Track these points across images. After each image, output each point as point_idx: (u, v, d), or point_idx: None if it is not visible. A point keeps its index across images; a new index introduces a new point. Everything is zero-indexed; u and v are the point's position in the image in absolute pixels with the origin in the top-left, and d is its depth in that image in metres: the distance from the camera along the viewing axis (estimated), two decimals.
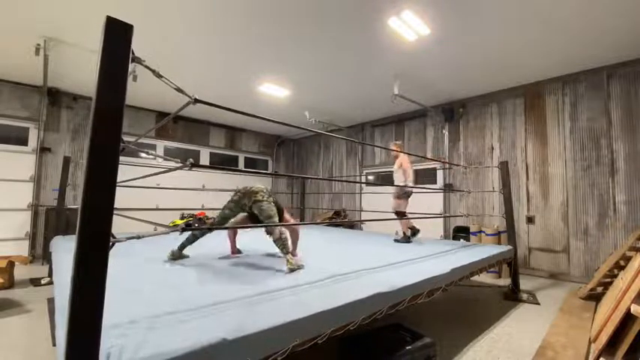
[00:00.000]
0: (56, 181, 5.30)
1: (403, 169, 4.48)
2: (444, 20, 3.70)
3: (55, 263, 3.07)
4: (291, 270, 2.52)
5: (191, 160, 1.49)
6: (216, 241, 4.14)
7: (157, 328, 1.38)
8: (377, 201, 7.72)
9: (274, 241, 2.72)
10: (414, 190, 4.65)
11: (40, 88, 5.70)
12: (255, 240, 4.51)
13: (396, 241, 4.54)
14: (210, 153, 8.62)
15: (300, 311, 1.60)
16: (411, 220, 4.52)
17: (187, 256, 3.05)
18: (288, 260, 2.59)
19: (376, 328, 2.27)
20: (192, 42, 4.31)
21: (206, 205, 7.83)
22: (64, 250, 3.09)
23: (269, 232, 2.77)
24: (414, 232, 4.51)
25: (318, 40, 4.21)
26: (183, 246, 3.01)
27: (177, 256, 2.98)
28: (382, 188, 7.72)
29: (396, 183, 4.58)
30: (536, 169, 5.35)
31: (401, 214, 4.49)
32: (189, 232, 3.00)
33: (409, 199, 4.62)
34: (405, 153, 4.12)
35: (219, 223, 3.05)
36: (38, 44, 4.24)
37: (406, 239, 4.47)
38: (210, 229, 2.91)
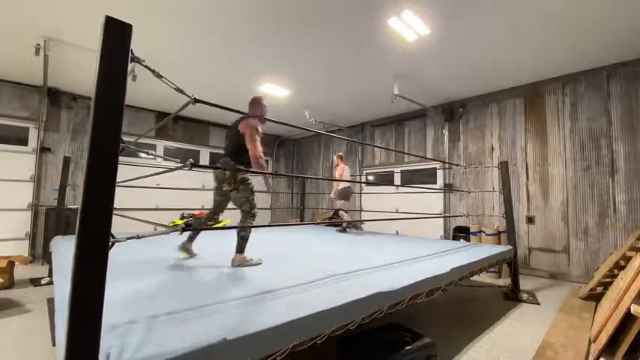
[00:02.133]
0: (56, 181, 5.30)
1: (339, 175, 5.65)
2: (444, 20, 3.70)
3: (55, 263, 3.07)
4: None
5: (191, 160, 1.49)
6: (216, 241, 4.14)
7: (157, 328, 1.38)
8: (377, 201, 7.73)
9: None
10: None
11: (40, 88, 5.70)
12: (258, 239, 4.51)
13: (338, 231, 5.78)
14: (210, 153, 8.62)
15: (300, 311, 1.60)
16: (348, 216, 5.93)
17: (195, 254, 3.09)
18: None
19: (376, 327, 2.27)
20: (192, 42, 4.30)
21: (206, 205, 7.83)
22: (64, 250, 3.09)
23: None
24: (356, 227, 5.88)
25: (319, 40, 4.21)
26: (191, 238, 3.03)
27: (187, 247, 3.01)
28: (382, 188, 7.72)
29: (335, 186, 5.84)
30: (536, 169, 5.35)
31: (337, 211, 5.84)
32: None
33: (349, 199, 5.97)
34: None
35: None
36: (38, 44, 4.23)
37: (343, 230, 5.75)
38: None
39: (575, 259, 4.85)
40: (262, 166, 2.66)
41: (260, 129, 2.71)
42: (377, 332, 2.25)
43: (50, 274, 4.25)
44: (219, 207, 2.95)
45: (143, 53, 1.52)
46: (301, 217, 8.07)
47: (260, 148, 2.65)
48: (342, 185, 5.67)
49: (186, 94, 1.52)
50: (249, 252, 2.80)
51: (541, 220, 5.24)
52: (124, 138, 1.19)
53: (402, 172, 7.53)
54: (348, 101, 6.65)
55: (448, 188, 6.44)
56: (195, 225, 3.11)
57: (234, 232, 2.77)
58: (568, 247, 4.93)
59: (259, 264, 2.76)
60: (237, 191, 2.70)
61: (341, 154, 6.02)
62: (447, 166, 6.47)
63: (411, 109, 6.88)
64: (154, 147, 7.55)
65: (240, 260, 2.70)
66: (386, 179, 7.79)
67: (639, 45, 4.14)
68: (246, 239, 2.74)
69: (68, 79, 5.61)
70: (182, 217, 7.14)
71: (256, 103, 2.93)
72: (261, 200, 9.70)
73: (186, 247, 3.01)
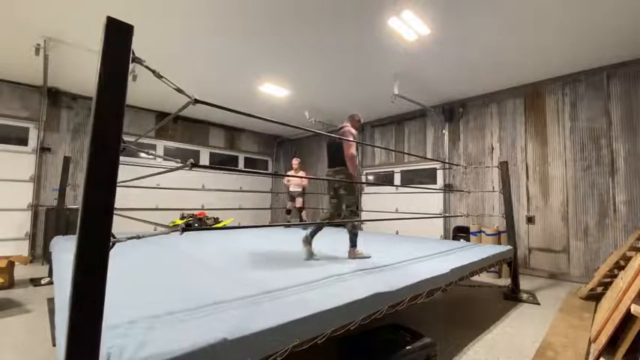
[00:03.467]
0: (56, 181, 5.30)
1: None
2: (444, 20, 3.70)
3: (55, 263, 3.07)
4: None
5: (191, 160, 1.49)
6: (217, 240, 4.14)
7: (157, 328, 1.38)
8: (377, 201, 7.73)
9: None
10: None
11: (40, 88, 5.70)
12: (259, 238, 4.52)
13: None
14: (210, 153, 8.62)
15: (300, 311, 1.60)
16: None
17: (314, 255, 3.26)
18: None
19: (376, 328, 2.27)
20: (192, 42, 4.31)
21: (206, 205, 7.83)
22: (64, 250, 3.10)
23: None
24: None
25: (318, 40, 4.21)
26: (313, 234, 3.25)
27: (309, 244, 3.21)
28: (382, 188, 7.73)
29: (297, 187, 6.61)
30: (536, 169, 5.35)
31: (302, 209, 6.69)
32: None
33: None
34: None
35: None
36: (38, 44, 4.24)
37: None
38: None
39: (575, 259, 4.85)
40: (355, 163, 3.20)
41: (355, 134, 3.28)
42: (377, 332, 2.25)
43: (50, 274, 4.24)
44: (339, 207, 3.35)
45: (143, 53, 1.52)
46: (301, 217, 8.06)
47: (353, 149, 3.15)
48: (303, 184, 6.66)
49: (186, 95, 1.52)
50: (243, 248, 2.81)
51: (541, 220, 5.24)
52: (124, 138, 1.19)
53: (402, 172, 7.53)
54: (348, 101, 6.65)
55: (448, 188, 6.44)
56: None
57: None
58: (568, 247, 4.93)
59: (369, 257, 3.13)
60: (349, 194, 3.21)
61: (299, 159, 6.93)
62: (446, 166, 6.47)
63: (411, 109, 6.88)
64: (154, 147, 7.56)
65: (355, 253, 3.14)
66: (386, 179, 7.79)
67: (639, 45, 4.14)
68: (357, 234, 3.22)
69: (68, 79, 5.61)
70: (182, 217, 7.15)
71: (353, 117, 3.49)
72: (262, 200, 9.70)
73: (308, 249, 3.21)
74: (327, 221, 3.36)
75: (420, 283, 2.35)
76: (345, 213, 3.19)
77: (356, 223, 3.19)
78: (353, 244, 3.17)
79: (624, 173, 4.50)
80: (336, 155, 3.23)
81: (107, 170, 1.09)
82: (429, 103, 6.49)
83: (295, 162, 6.89)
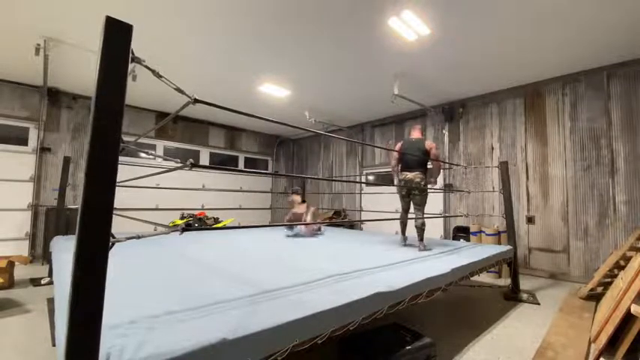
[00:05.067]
0: (56, 181, 5.30)
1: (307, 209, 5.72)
2: (444, 20, 3.70)
3: (55, 263, 3.07)
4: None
5: (191, 160, 1.48)
6: (217, 240, 4.14)
7: (157, 328, 1.38)
8: (377, 201, 7.72)
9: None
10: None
11: (40, 88, 5.70)
12: (259, 238, 4.52)
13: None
14: (210, 153, 8.62)
15: (300, 311, 1.60)
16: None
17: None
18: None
19: (376, 328, 2.27)
20: (192, 42, 4.31)
21: (206, 205, 7.84)
22: (64, 250, 3.09)
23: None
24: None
25: (318, 40, 4.21)
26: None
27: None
28: (382, 188, 7.72)
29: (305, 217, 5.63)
30: (536, 169, 5.35)
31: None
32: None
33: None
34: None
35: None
36: (38, 44, 4.23)
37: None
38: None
39: (575, 259, 4.85)
40: (441, 170, 3.82)
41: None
42: (377, 332, 2.25)
43: (50, 274, 4.24)
44: (408, 207, 4.03)
45: (143, 53, 1.52)
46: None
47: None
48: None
49: (186, 94, 1.52)
50: (243, 248, 2.81)
51: (541, 220, 5.24)
52: (124, 138, 1.19)
53: None
54: (348, 101, 6.65)
55: (448, 188, 6.44)
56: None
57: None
58: (568, 247, 4.93)
59: (430, 250, 3.69)
60: (423, 194, 3.77)
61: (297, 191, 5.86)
62: (446, 166, 6.47)
63: (411, 109, 6.88)
64: (154, 147, 7.56)
65: (423, 246, 3.70)
66: (386, 179, 7.79)
67: (639, 45, 4.14)
68: (424, 229, 3.79)
69: (68, 79, 5.61)
70: (182, 217, 7.15)
71: (420, 129, 4.14)
72: (262, 200, 9.70)
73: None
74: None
75: (420, 283, 2.35)
76: (416, 209, 3.82)
77: (424, 219, 3.80)
78: (421, 238, 3.76)
79: (624, 173, 4.50)
80: (414, 160, 3.84)
81: (107, 170, 1.09)
82: (429, 103, 6.49)
83: (297, 198, 5.66)
